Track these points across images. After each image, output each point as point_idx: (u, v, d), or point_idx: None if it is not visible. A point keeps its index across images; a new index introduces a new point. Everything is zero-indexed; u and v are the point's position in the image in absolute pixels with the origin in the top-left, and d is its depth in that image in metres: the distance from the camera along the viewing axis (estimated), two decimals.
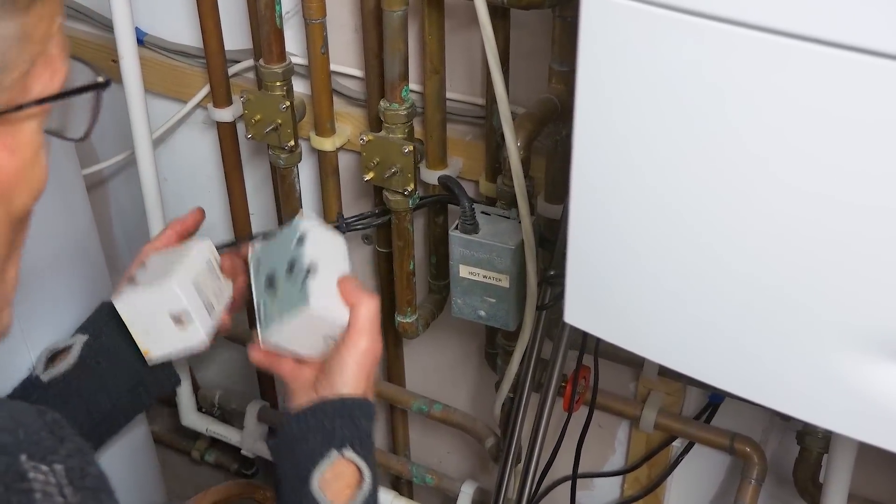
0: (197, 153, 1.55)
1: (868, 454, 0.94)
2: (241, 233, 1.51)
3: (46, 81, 0.56)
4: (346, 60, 1.31)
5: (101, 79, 0.60)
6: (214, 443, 1.83)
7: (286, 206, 1.39)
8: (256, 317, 0.94)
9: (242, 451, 1.62)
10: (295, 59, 1.30)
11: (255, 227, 1.52)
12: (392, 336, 1.49)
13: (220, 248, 1.04)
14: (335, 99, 1.30)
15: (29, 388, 1.03)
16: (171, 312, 0.95)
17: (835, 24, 0.60)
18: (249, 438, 1.54)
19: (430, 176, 1.25)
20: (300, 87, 1.35)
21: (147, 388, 1.06)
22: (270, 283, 0.92)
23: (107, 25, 1.28)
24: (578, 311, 0.86)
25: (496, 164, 1.22)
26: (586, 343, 1.21)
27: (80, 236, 1.18)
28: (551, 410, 1.22)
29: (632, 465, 1.43)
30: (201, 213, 1.09)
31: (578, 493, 1.42)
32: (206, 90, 1.42)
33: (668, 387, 1.34)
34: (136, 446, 1.31)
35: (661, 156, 0.72)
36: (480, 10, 1.03)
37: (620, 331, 0.84)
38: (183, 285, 0.95)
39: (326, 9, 1.21)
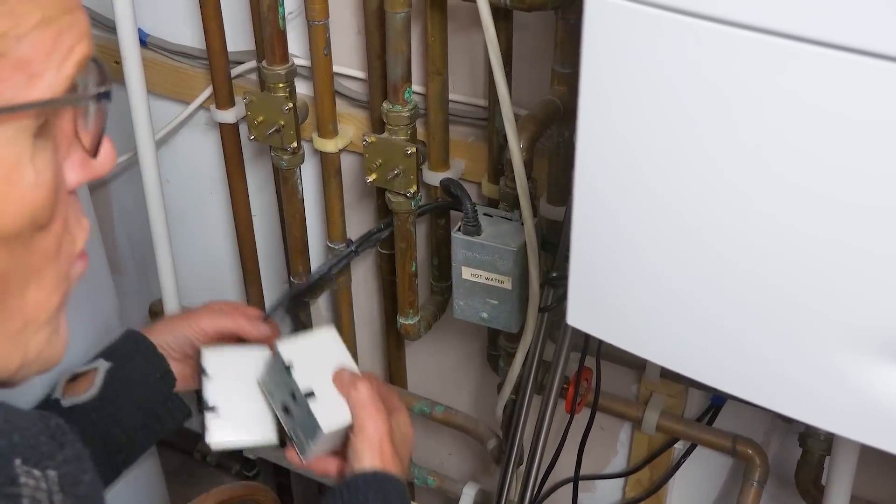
0: (199, 155, 1.55)
1: (870, 456, 0.94)
2: (242, 232, 1.51)
3: (18, 87, 0.51)
4: (348, 62, 1.31)
5: (101, 88, 0.56)
6: None
7: (288, 207, 1.39)
8: (289, 439, 0.99)
9: (244, 453, 1.62)
10: (298, 61, 1.30)
11: (257, 227, 1.52)
12: (394, 338, 1.49)
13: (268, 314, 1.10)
14: (338, 100, 1.30)
15: (49, 412, 1.02)
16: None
17: (836, 26, 0.60)
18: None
19: (433, 177, 1.25)
20: (303, 88, 1.35)
21: (161, 422, 1.06)
22: (286, 410, 0.97)
23: (109, 27, 1.28)
24: (581, 313, 0.86)
25: (499, 166, 1.22)
26: (588, 345, 1.21)
27: None
28: (553, 412, 1.22)
29: (634, 467, 1.43)
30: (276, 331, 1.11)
31: (580, 495, 1.42)
32: (208, 91, 1.42)
33: (670, 389, 1.34)
34: None
35: (663, 158, 0.72)
36: (483, 12, 1.03)
37: (623, 333, 0.84)
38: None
39: (329, 10, 1.21)
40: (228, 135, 1.42)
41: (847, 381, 0.71)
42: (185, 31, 1.43)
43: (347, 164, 1.38)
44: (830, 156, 0.64)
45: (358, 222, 1.45)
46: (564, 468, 1.35)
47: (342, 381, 0.95)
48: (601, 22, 0.70)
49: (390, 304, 1.45)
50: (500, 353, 1.32)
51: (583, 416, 1.30)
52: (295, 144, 1.31)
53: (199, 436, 1.17)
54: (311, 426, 0.93)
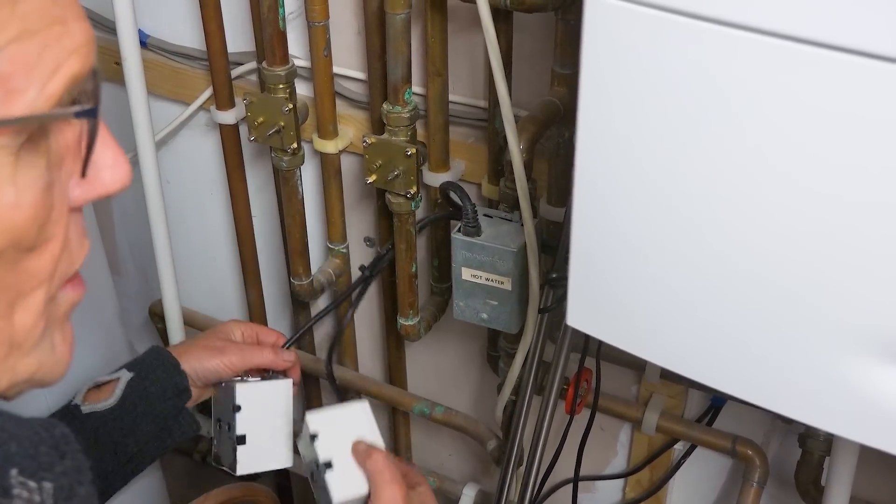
0: (199, 155, 1.55)
1: (870, 457, 0.94)
2: (242, 233, 1.51)
3: None
4: (348, 63, 1.31)
5: (79, 107, 0.51)
6: None
7: (289, 208, 1.39)
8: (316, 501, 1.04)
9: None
10: (298, 62, 1.30)
11: (257, 228, 1.52)
12: (394, 339, 1.49)
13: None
14: (338, 101, 1.31)
15: (67, 417, 1.05)
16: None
17: (834, 27, 0.60)
18: None
19: (433, 178, 1.25)
20: (303, 89, 1.35)
21: (172, 435, 1.09)
22: (313, 477, 1.02)
23: (109, 28, 1.28)
24: (581, 314, 0.86)
25: (498, 167, 1.22)
26: (588, 346, 1.21)
27: None
28: (553, 413, 1.22)
29: (634, 468, 1.43)
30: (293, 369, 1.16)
31: (580, 496, 1.42)
32: (208, 92, 1.42)
33: (670, 389, 1.34)
34: None
35: (663, 158, 0.72)
36: (483, 13, 1.03)
37: (623, 334, 0.84)
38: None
39: (329, 11, 1.22)
40: (228, 136, 1.42)
41: (847, 382, 0.72)
42: (186, 32, 1.43)
43: (347, 165, 1.38)
44: (831, 157, 0.64)
45: (358, 223, 1.45)
46: (564, 469, 1.35)
47: (359, 452, 0.98)
48: (601, 23, 0.70)
49: (390, 304, 1.45)
50: (500, 353, 1.33)
51: (583, 416, 1.30)
52: (295, 145, 1.31)
53: (200, 437, 1.18)
54: (327, 495, 0.98)
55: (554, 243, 1.16)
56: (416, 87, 1.21)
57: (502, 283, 1.16)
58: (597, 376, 1.27)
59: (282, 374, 1.15)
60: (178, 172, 1.58)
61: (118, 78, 1.30)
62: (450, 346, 1.49)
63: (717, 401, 1.32)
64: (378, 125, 1.26)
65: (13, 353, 0.55)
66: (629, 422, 1.39)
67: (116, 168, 0.56)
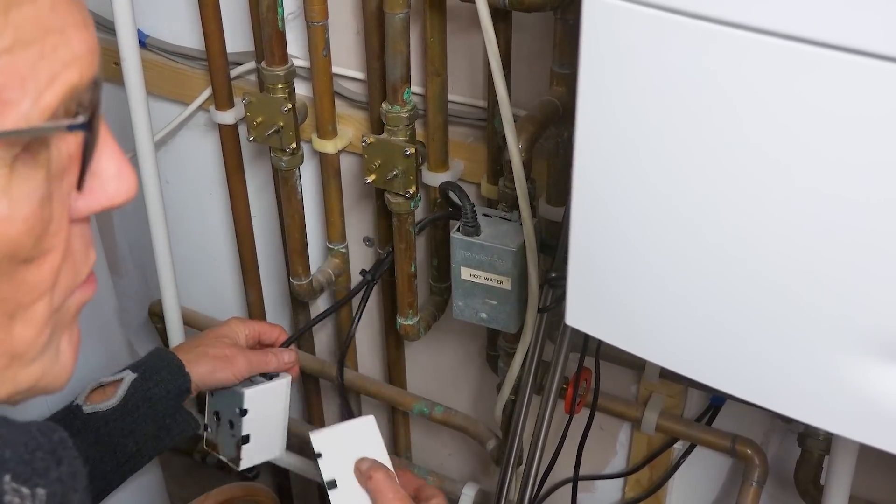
0: (199, 155, 1.55)
1: (869, 456, 0.94)
2: (241, 232, 1.51)
3: None
4: (347, 63, 1.31)
5: (76, 120, 0.50)
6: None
7: (288, 208, 1.39)
8: None
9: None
10: (297, 62, 1.30)
11: (256, 228, 1.52)
12: (393, 338, 1.49)
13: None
14: (337, 101, 1.31)
15: (70, 417, 1.05)
16: None
17: (839, 27, 0.60)
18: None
19: (432, 178, 1.25)
20: (302, 89, 1.35)
21: (170, 434, 1.10)
22: (322, 491, 1.05)
23: (108, 28, 1.28)
24: (580, 314, 0.86)
25: (498, 167, 1.22)
26: (588, 345, 1.21)
27: None
28: (552, 412, 1.22)
29: (633, 468, 1.43)
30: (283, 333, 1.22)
31: (580, 496, 1.42)
32: (207, 92, 1.42)
33: (670, 389, 1.34)
34: None
35: (662, 158, 0.72)
36: (482, 13, 1.03)
37: (622, 333, 0.84)
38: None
39: (328, 11, 1.22)
40: (228, 136, 1.42)
41: (846, 381, 0.72)
42: (185, 33, 1.43)
43: (347, 164, 1.38)
44: (831, 155, 0.64)
45: (357, 223, 1.45)
46: (564, 468, 1.35)
47: (360, 472, 1.00)
48: (599, 22, 0.70)
49: (390, 304, 1.45)
50: (500, 353, 1.33)
51: (582, 416, 1.30)
52: (294, 145, 1.31)
53: (199, 437, 1.19)
54: None
55: (553, 243, 1.16)
56: (415, 87, 1.21)
57: (501, 282, 1.16)
58: (596, 376, 1.27)
59: None
60: (178, 172, 1.58)
61: (117, 78, 1.30)
62: (449, 345, 1.49)
63: (716, 400, 1.32)
64: (377, 125, 1.26)
65: (14, 364, 0.54)
66: (629, 421, 1.39)
67: (121, 179, 0.55)
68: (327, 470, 1.02)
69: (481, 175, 1.26)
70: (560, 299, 1.14)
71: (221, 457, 1.19)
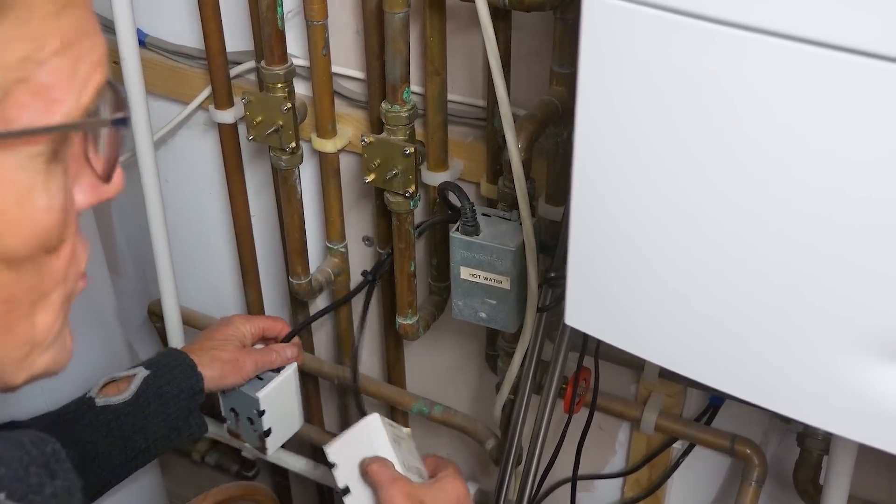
0: (198, 155, 1.55)
1: (868, 456, 0.94)
2: (241, 232, 1.51)
3: (38, 113, 0.50)
4: (347, 62, 1.31)
5: (118, 115, 0.55)
6: (215, 444, 1.83)
7: (287, 207, 1.39)
8: None
9: (243, 453, 1.62)
10: (296, 61, 1.30)
11: (256, 227, 1.52)
12: (392, 338, 1.49)
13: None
14: (336, 100, 1.31)
15: (83, 408, 1.07)
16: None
17: (839, 27, 0.60)
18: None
19: (432, 178, 1.25)
20: (301, 88, 1.35)
21: (181, 435, 1.13)
22: (322, 498, 1.14)
23: (108, 27, 1.28)
24: (579, 313, 0.86)
25: (497, 166, 1.22)
26: (587, 345, 1.21)
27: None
28: (552, 412, 1.22)
29: (632, 467, 1.43)
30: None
31: (579, 495, 1.42)
32: (207, 92, 1.42)
33: (669, 389, 1.34)
34: None
35: (661, 157, 0.72)
36: (482, 12, 1.03)
37: (621, 333, 0.84)
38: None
39: (328, 10, 1.22)
40: (227, 135, 1.42)
41: (845, 381, 0.72)
42: (184, 32, 1.43)
43: (346, 164, 1.38)
44: (830, 155, 0.65)
45: (357, 222, 1.45)
46: (563, 468, 1.35)
47: (369, 474, 1.03)
48: (598, 22, 0.70)
49: (389, 304, 1.45)
50: (499, 352, 1.33)
51: (581, 415, 1.30)
52: (294, 144, 1.31)
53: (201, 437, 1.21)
54: None
55: (552, 242, 1.16)
56: (415, 87, 1.21)
57: (501, 282, 1.16)
58: (595, 375, 1.27)
59: None
60: (177, 172, 1.58)
61: (116, 77, 1.30)
62: (448, 345, 1.49)
63: (715, 400, 1.32)
64: (377, 124, 1.26)
65: (34, 351, 0.57)
66: (628, 421, 1.39)
67: (115, 175, 0.59)
68: (341, 478, 1.06)
69: (481, 174, 1.26)
70: (559, 299, 1.14)
71: (247, 444, 1.30)
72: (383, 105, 1.20)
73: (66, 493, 0.58)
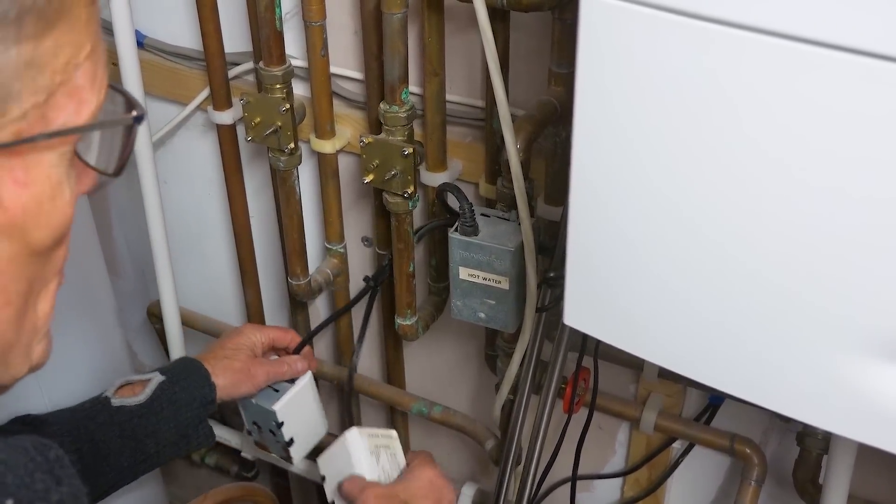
0: (197, 156, 1.55)
1: (868, 455, 0.94)
2: (240, 233, 1.51)
3: (71, 113, 0.53)
4: (345, 63, 1.31)
5: (134, 113, 0.58)
6: (214, 445, 1.82)
7: (286, 208, 1.39)
8: None
9: (242, 454, 1.62)
10: (295, 62, 1.30)
11: (255, 228, 1.52)
12: (392, 338, 1.49)
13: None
14: (335, 101, 1.31)
15: (98, 407, 1.09)
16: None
17: (837, 26, 0.60)
18: (249, 441, 1.54)
19: (430, 178, 1.25)
20: (300, 89, 1.35)
21: (189, 444, 1.14)
22: (322, 498, 1.15)
23: (106, 28, 1.28)
24: (578, 313, 0.86)
25: (496, 167, 1.22)
26: (586, 345, 1.21)
27: (80, 239, 1.18)
28: (551, 412, 1.22)
29: (632, 467, 1.43)
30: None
31: (578, 495, 1.42)
32: (205, 93, 1.42)
33: (668, 388, 1.34)
34: None
35: (660, 157, 0.72)
36: (480, 13, 1.03)
37: (620, 333, 0.84)
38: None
39: (326, 11, 1.22)
40: (226, 136, 1.42)
41: (845, 380, 0.72)
42: (183, 33, 1.43)
43: (345, 164, 1.38)
44: (828, 154, 0.65)
45: (356, 223, 1.45)
46: (562, 468, 1.35)
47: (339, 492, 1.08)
48: (597, 22, 0.70)
49: (388, 304, 1.45)
50: (498, 353, 1.33)
51: (581, 415, 1.30)
52: (292, 145, 1.31)
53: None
54: None
55: (551, 242, 1.16)
56: (414, 87, 1.21)
57: (500, 282, 1.16)
58: (595, 375, 1.27)
59: None
60: (176, 173, 1.58)
61: (115, 78, 1.30)
62: (448, 345, 1.49)
63: (715, 399, 1.32)
64: (375, 125, 1.26)
65: (34, 339, 0.59)
66: (627, 421, 1.39)
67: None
68: (329, 491, 1.11)
69: (479, 175, 1.26)
70: (558, 299, 1.14)
71: (273, 454, 1.32)
72: (382, 105, 1.20)
73: (72, 499, 0.58)
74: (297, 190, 1.38)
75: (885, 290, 0.67)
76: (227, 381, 1.16)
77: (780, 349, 0.74)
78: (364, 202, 1.42)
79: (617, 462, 1.46)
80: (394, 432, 1.17)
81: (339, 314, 1.45)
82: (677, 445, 1.39)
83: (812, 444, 1.21)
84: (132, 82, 1.29)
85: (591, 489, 1.51)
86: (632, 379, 1.37)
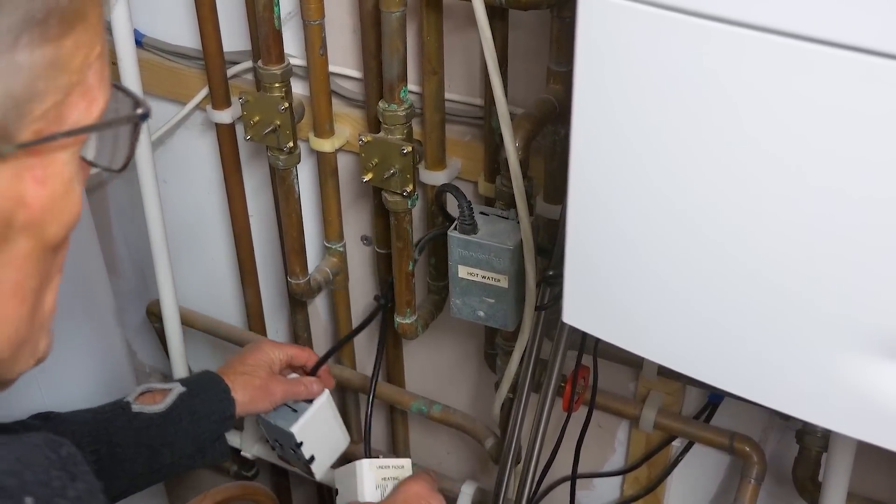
0: (196, 155, 1.55)
1: (867, 453, 0.94)
2: (239, 232, 1.51)
3: (82, 112, 0.55)
4: (344, 61, 1.31)
5: (140, 111, 0.59)
6: None
7: (285, 207, 1.39)
8: None
9: (242, 453, 1.61)
10: (293, 61, 1.30)
11: (254, 228, 1.52)
12: (391, 337, 1.49)
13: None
14: (334, 100, 1.31)
15: (118, 411, 1.09)
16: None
17: (836, 24, 0.60)
18: (249, 440, 1.54)
19: (429, 177, 1.25)
20: (299, 88, 1.35)
21: (204, 457, 1.14)
22: (322, 498, 1.21)
23: (105, 27, 1.28)
24: (577, 311, 0.86)
25: (495, 165, 1.22)
26: (585, 343, 1.21)
27: (80, 238, 1.18)
28: (551, 410, 1.22)
29: (631, 465, 1.43)
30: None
31: (578, 493, 1.42)
32: (204, 92, 1.42)
33: (668, 386, 1.34)
34: None
35: (658, 155, 0.72)
36: (478, 11, 1.03)
37: (619, 331, 0.84)
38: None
39: (325, 10, 1.21)
40: (225, 135, 1.42)
41: (844, 378, 0.72)
42: (181, 32, 1.43)
43: (344, 163, 1.38)
44: (828, 153, 0.65)
45: (355, 222, 1.45)
46: (562, 466, 1.35)
47: None
48: (595, 20, 0.70)
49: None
50: (498, 351, 1.33)
51: (580, 414, 1.30)
52: (291, 144, 1.31)
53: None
54: None
55: (550, 241, 1.16)
56: (412, 86, 1.21)
57: (499, 280, 1.16)
58: (594, 374, 1.27)
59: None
60: (175, 172, 1.58)
61: (114, 77, 1.30)
62: (447, 344, 1.49)
63: (714, 398, 1.32)
64: (374, 123, 1.26)
65: (40, 333, 0.60)
66: (627, 419, 1.39)
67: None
68: None
69: (478, 173, 1.26)
70: (557, 297, 1.14)
71: (297, 469, 1.35)
72: (381, 104, 1.20)
73: (89, 495, 0.59)
74: (297, 189, 1.38)
75: (884, 289, 0.67)
76: (246, 397, 1.16)
77: (780, 347, 0.74)
78: (363, 201, 1.42)
79: (616, 460, 1.46)
80: (408, 462, 1.22)
81: (353, 335, 1.42)
82: (677, 444, 1.39)
83: (811, 442, 1.21)
84: (131, 81, 1.29)
85: (591, 487, 1.51)
86: (631, 377, 1.37)
